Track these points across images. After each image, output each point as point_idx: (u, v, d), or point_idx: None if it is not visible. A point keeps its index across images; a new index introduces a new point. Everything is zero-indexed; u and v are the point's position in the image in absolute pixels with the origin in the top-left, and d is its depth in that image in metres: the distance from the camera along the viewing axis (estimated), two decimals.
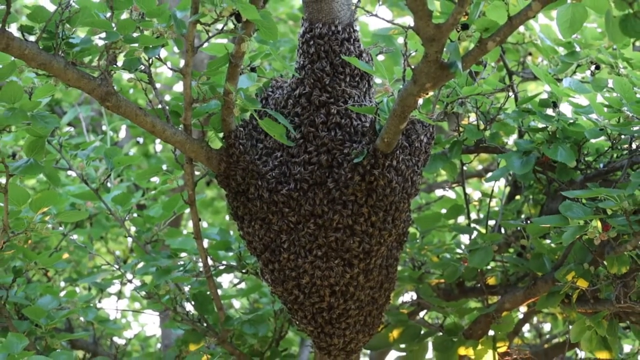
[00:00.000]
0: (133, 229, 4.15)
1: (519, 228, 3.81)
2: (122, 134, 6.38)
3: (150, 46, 3.06)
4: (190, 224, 7.11)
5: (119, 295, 5.38)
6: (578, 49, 3.90)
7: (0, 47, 2.84)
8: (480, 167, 6.08)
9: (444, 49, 2.75)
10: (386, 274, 3.44)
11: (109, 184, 4.36)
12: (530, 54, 4.86)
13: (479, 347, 3.80)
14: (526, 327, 6.15)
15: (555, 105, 3.53)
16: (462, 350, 3.83)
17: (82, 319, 4.18)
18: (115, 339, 4.84)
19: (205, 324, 3.88)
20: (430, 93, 2.87)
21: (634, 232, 3.10)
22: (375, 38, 4.40)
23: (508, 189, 4.23)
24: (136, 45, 2.96)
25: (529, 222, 3.66)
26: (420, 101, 3.60)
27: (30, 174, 3.05)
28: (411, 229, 4.25)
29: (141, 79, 3.28)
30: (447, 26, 2.68)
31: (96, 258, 5.38)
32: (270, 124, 3.15)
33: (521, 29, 4.27)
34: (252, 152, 3.32)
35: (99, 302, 5.05)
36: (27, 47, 2.87)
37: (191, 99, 3.17)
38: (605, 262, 3.27)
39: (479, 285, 3.97)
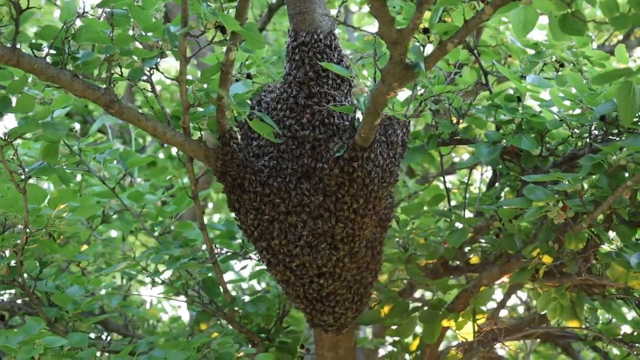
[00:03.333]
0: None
1: (494, 212, 3.80)
2: (150, 137, 6.41)
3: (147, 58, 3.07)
4: (216, 217, 7.17)
5: (153, 283, 5.42)
6: (544, 49, 3.89)
7: (12, 63, 2.87)
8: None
9: (408, 52, 2.76)
10: (372, 255, 3.45)
11: (132, 182, 4.40)
12: (509, 55, 4.85)
13: (460, 319, 3.79)
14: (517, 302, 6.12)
15: (519, 100, 3.52)
16: (445, 322, 3.82)
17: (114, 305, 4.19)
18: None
19: (215, 306, 3.90)
20: (398, 91, 2.87)
21: (589, 211, 3.09)
22: (367, 45, 4.42)
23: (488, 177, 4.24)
24: (134, 58, 2.96)
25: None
26: (401, 98, 3.64)
27: (44, 175, 3.08)
28: (401, 216, 4.26)
29: (144, 87, 3.31)
30: (408, 30, 2.68)
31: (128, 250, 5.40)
32: (259, 125, 3.16)
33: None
34: (247, 150, 3.37)
35: (129, 289, 5.10)
36: (36, 62, 2.90)
37: (187, 104, 3.18)
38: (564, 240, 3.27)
39: (461, 264, 3.97)
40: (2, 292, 3.86)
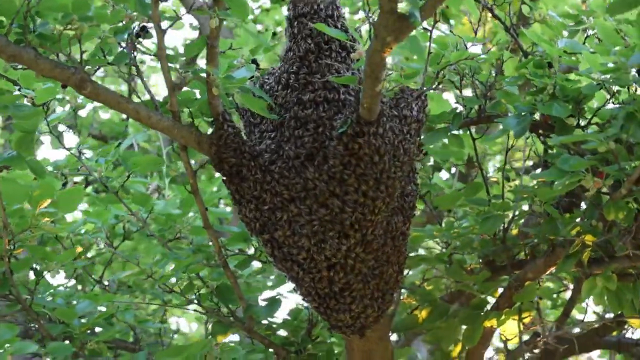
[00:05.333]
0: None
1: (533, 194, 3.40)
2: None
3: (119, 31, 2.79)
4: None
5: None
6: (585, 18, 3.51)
7: None
8: None
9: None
10: (392, 246, 3.09)
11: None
12: None
13: (502, 317, 3.38)
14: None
15: (550, 66, 3.14)
16: (487, 323, 3.42)
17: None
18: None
19: (231, 316, 3.57)
20: (394, 47, 2.52)
21: (626, 175, 2.68)
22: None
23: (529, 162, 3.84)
24: (91, 24, 2.67)
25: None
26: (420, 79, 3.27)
27: (13, 166, 2.81)
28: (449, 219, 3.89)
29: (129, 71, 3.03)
30: None
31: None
32: (249, 99, 2.86)
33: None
34: (251, 137, 3.07)
35: (164, 314, 4.81)
36: None
37: (172, 83, 2.89)
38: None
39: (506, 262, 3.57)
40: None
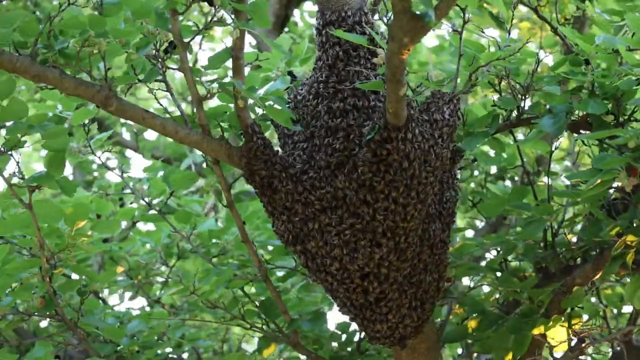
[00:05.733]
0: None
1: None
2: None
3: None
4: None
5: None
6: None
7: None
8: None
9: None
10: (430, 254, 3.02)
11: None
12: None
13: (550, 324, 3.28)
14: None
15: (587, 62, 3.05)
16: (535, 330, 3.32)
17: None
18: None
19: (278, 330, 3.54)
20: (411, 48, 2.48)
21: None
22: None
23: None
24: (108, 40, 2.68)
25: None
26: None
27: (43, 184, 2.83)
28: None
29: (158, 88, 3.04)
30: None
31: None
32: (274, 111, 2.84)
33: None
34: (285, 148, 3.05)
35: (227, 332, 4.80)
36: (18, 61, 2.67)
37: (198, 96, 2.88)
38: None
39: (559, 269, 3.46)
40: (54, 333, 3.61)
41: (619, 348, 4.47)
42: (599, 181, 2.68)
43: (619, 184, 2.67)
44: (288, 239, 2.98)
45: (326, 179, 2.92)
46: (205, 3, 2.65)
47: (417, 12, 2.37)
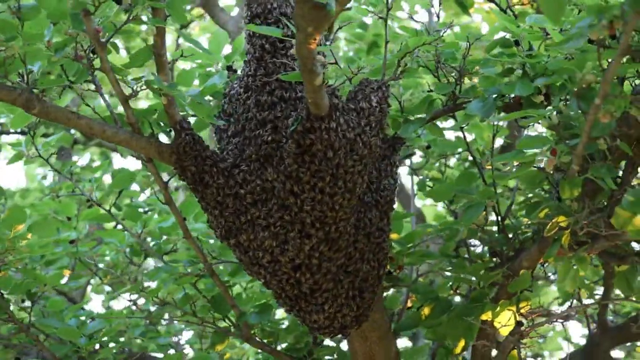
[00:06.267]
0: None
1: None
2: None
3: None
4: None
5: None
6: None
7: None
8: None
9: None
10: (367, 243, 3.01)
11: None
12: None
13: (498, 309, 3.25)
14: None
15: (517, 44, 3.02)
16: (484, 316, 3.29)
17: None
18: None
19: (232, 325, 3.55)
20: (318, 37, 2.47)
21: (572, 151, 2.55)
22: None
23: None
24: (17, 44, 2.68)
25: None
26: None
27: None
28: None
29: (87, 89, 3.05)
30: None
31: None
32: (197, 107, 2.84)
33: None
34: (221, 143, 3.05)
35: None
36: None
37: (124, 95, 2.88)
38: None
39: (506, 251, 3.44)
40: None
41: (595, 330, 4.45)
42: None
43: (542, 164, 2.64)
44: (221, 233, 2.98)
45: (256, 172, 2.92)
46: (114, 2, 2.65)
47: (319, 1, 2.37)
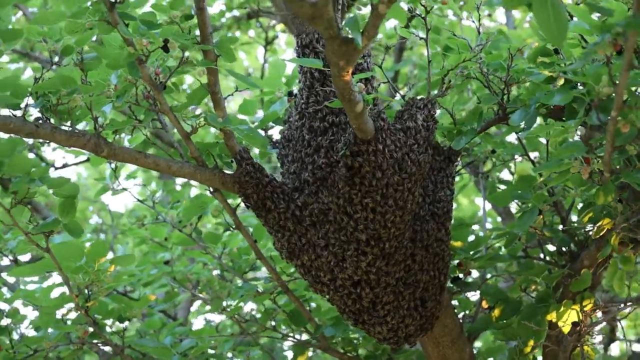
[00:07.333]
0: None
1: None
2: None
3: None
4: None
5: None
6: None
7: None
8: None
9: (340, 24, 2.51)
10: (425, 254, 3.14)
11: None
12: None
13: (561, 309, 3.33)
14: None
15: (557, 52, 3.10)
16: (549, 316, 3.37)
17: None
18: None
19: (312, 337, 3.72)
20: (350, 69, 2.61)
21: (601, 159, 2.62)
22: None
23: None
24: (80, 95, 2.91)
25: None
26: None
27: (49, 229, 3.10)
28: None
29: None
30: (322, 0, 2.43)
31: None
32: (252, 138, 3.02)
33: None
34: (283, 168, 3.23)
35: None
36: (12, 122, 2.92)
37: (185, 132, 3.08)
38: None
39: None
40: None
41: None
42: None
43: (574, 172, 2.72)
44: (286, 255, 3.15)
45: (313, 195, 3.08)
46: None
47: (346, 37, 2.51)
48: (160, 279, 4.51)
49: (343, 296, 3.10)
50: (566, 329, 3.25)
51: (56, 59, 3.00)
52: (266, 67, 6.90)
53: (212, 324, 5.33)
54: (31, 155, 5.79)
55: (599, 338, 3.41)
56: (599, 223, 2.88)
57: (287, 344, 4.59)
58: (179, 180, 6.40)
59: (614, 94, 2.50)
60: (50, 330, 3.53)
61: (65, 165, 6.12)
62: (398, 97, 3.32)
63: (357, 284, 3.08)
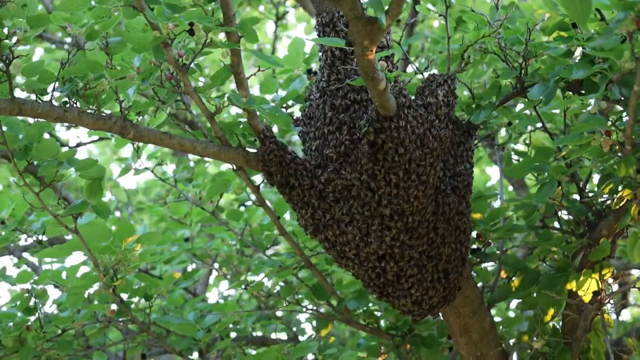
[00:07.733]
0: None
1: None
2: None
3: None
4: None
5: None
6: None
7: (15, 113, 2.95)
8: None
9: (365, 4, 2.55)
10: (446, 227, 3.19)
11: None
12: None
13: (581, 278, 3.38)
14: None
15: (574, 26, 3.13)
16: (568, 285, 3.43)
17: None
18: None
19: (333, 310, 3.79)
20: (374, 49, 2.65)
21: (622, 132, 2.67)
22: None
23: None
24: (106, 79, 2.95)
25: None
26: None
27: (78, 211, 3.15)
28: None
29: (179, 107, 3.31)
30: None
31: None
32: (275, 116, 3.07)
33: None
34: (305, 146, 3.27)
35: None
36: (40, 107, 2.96)
37: (208, 112, 3.13)
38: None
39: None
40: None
41: None
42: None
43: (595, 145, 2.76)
44: (310, 230, 3.21)
45: (336, 172, 3.12)
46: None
47: (370, 16, 2.55)
48: (180, 255, 4.58)
49: (368, 270, 3.16)
50: (587, 297, 3.30)
51: (82, 44, 3.04)
52: (277, 43, 6.94)
53: (230, 298, 5.41)
54: (46, 136, 5.84)
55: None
56: (619, 194, 2.92)
57: (304, 316, 4.66)
58: (192, 157, 6.47)
59: (636, 69, 2.54)
60: (79, 309, 3.59)
61: (79, 145, 6.18)
62: (410, 69, 3.36)
63: (381, 258, 3.13)
